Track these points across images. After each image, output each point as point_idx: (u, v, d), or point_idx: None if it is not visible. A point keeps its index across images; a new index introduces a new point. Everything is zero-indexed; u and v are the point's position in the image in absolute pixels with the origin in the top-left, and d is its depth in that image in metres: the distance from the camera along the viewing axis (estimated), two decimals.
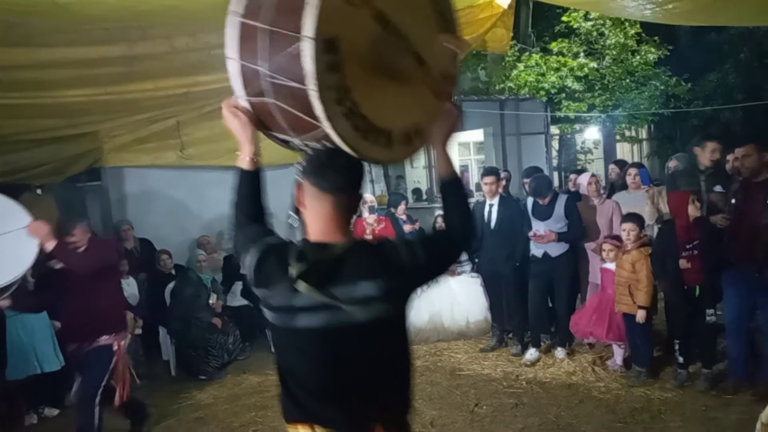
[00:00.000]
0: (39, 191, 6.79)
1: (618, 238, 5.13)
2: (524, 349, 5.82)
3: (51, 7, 3.57)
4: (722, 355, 4.85)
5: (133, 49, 4.64)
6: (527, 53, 11.26)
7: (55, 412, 5.37)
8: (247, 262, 1.76)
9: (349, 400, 1.71)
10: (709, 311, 4.62)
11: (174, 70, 5.31)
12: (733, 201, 4.45)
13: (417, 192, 11.95)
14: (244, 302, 7.00)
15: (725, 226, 4.48)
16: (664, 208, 5.32)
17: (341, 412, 1.71)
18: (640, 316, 4.78)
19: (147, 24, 4.49)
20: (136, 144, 7.14)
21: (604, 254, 5.24)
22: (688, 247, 4.57)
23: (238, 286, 7.06)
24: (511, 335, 6.13)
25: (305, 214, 1.79)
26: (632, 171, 6.10)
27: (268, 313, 1.76)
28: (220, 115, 1.85)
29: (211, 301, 6.39)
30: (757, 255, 4.19)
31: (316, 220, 1.75)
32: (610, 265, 5.13)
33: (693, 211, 4.57)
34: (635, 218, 5.01)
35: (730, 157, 5.21)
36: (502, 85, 11.25)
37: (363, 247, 1.74)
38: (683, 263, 4.57)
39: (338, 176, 1.71)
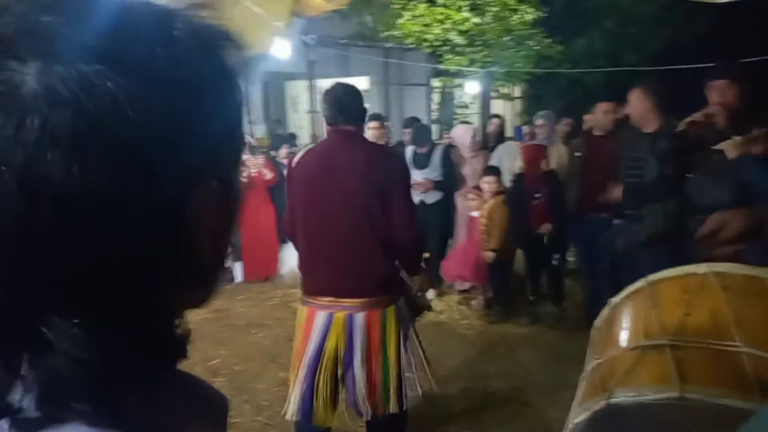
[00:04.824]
0: None
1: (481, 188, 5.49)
2: None
3: None
4: (568, 295, 5.44)
5: None
6: (413, 2, 11.22)
7: None
8: None
9: None
10: (556, 255, 5.16)
11: None
12: (576, 154, 4.96)
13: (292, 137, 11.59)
14: None
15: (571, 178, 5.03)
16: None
17: None
18: (488, 257, 5.21)
19: None
20: None
21: (468, 203, 5.62)
22: (536, 196, 5.03)
23: None
24: None
25: None
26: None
27: None
28: None
29: None
30: (601, 204, 4.54)
31: None
32: (477, 213, 5.51)
33: (544, 165, 5.06)
34: (495, 170, 5.42)
35: (587, 117, 5.71)
36: (387, 33, 11.18)
37: None
38: (532, 214, 5.04)
39: None
